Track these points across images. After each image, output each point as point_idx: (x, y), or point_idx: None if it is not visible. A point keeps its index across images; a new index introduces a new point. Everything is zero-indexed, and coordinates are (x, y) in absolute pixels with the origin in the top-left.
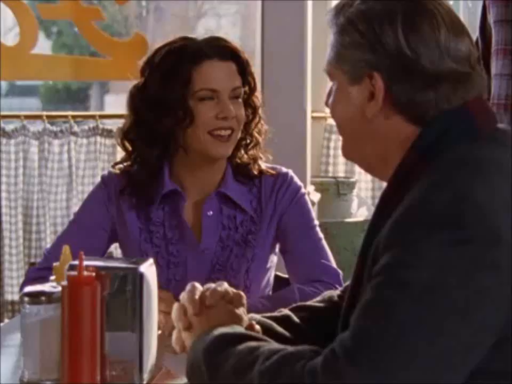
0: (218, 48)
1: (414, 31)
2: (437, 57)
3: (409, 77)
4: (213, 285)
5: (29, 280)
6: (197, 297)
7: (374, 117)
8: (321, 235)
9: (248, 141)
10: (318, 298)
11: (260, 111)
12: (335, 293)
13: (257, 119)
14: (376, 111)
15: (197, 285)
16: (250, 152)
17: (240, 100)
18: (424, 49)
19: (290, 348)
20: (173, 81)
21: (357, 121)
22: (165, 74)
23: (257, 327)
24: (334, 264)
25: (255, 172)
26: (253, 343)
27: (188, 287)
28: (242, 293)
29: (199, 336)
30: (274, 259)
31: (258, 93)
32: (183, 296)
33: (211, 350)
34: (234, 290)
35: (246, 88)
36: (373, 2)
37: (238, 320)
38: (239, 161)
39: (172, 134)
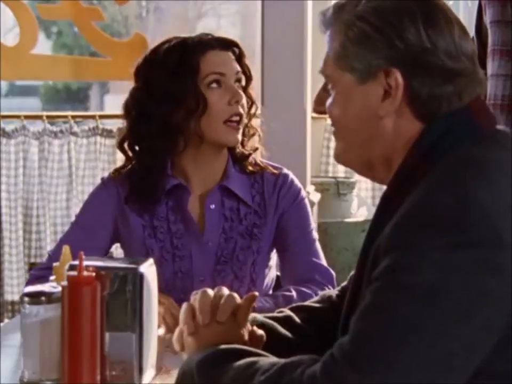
0: (219, 39)
1: (433, 27)
2: (454, 53)
3: (429, 71)
4: (225, 290)
5: (32, 280)
6: (208, 307)
7: (386, 115)
8: (316, 237)
9: (247, 132)
10: (317, 298)
11: (257, 103)
12: (333, 292)
13: (254, 109)
14: (391, 109)
15: (209, 291)
16: (250, 143)
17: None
18: (444, 44)
19: (290, 358)
20: (182, 73)
21: (366, 121)
22: (172, 68)
23: (261, 331)
24: (326, 265)
25: (258, 162)
26: (252, 358)
27: (200, 293)
28: (250, 308)
29: (199, 351)
30: (274, 257)
31: (253, 88)
32: (195, 299)
33: (207, 363)
34: (243, 305)
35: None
36: (383, 1)
37: (241, 341)
38: (239, 152)
39: (182, 126)
